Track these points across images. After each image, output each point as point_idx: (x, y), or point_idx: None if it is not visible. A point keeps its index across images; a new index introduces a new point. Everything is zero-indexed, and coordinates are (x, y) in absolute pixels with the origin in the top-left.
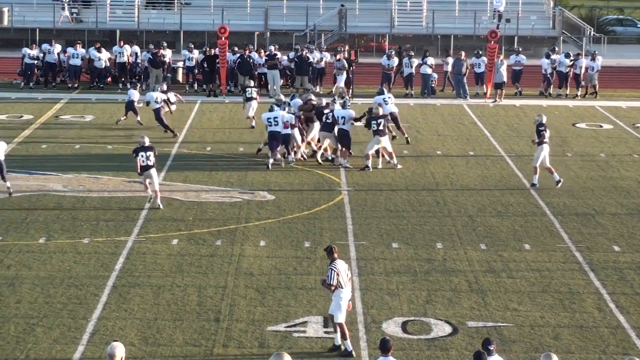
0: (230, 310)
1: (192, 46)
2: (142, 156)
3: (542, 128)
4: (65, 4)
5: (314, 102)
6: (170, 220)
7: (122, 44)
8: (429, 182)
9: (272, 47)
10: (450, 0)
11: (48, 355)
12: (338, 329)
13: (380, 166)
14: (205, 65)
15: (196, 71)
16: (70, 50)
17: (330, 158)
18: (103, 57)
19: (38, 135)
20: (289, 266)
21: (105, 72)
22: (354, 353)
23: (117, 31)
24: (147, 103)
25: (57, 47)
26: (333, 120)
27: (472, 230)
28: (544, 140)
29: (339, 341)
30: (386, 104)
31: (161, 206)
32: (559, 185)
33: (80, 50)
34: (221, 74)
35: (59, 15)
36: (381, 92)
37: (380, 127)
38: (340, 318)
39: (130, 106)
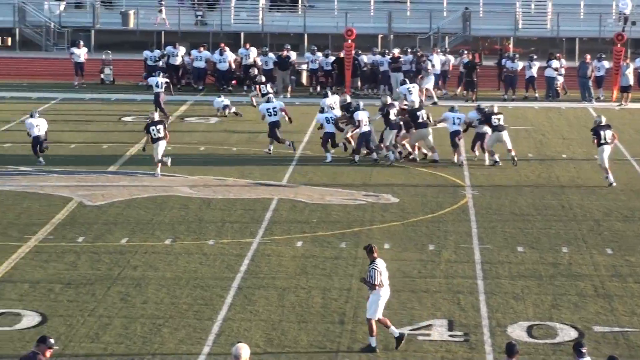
0: (354, 313)
1: (315, 49)
2: (153, 130)
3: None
4: (163, 7)
5: (405, 106)
6: (294, 223)
7: (247, 46)
8: (554, 186)
9: (395, 50)
10: (575, 3)
11: (174, 356)
12: (370, 326)
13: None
14: (334, 67)
15: (319, 73)
16: (194, 52)
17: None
18: (227, 60)
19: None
20: (413, 269)
21: (230, 75)
22: (377, 350)
23: (242, 34)
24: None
25: (181, 50)
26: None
27: (598, 235)
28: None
29: (374, 343)
30: (410, 94)
31: (160, 175)
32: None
33: (205, 53)
34: (346, 76)
35: (156, 17)
36: (404, 82)
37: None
38: (373, 315)
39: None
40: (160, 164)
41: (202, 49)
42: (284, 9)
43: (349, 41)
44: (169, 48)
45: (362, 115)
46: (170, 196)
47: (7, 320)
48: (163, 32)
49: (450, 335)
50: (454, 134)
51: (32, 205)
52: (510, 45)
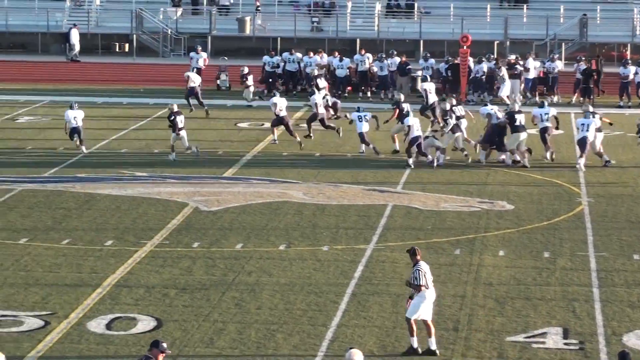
0: (469, 320)
1: (429, 55)
2: (178, 120)
3: None
4: (259, 13)
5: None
6: (409, 229)
7: (362, 52)
8: None
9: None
10: None
11: None
12: (428, 328)
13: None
14: (449, 74)
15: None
16: (305, 58)
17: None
18: (346, 66)
19: (278, 143)
20: (528, 276)
21: (346, 81)
22: (419, 350)
23: (357, 40)
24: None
25: (298, 56)
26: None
27: None
28: None
29: (434, 345)
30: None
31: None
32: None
33: (314, 58)
34: (462, 82)
35: (262, 24)
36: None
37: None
38: (412, 314)
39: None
40: (188, 150)
41: (312, 53)
42: (399, 16)
43: (464, 47)
44: (286, 54)
45: (412, 121)
46: (284, 202)
47: (123, 324)
48: (279, 39)
49: (565, 344)
50: (543, 130)
51: (148, 210)
52: (628, 52)
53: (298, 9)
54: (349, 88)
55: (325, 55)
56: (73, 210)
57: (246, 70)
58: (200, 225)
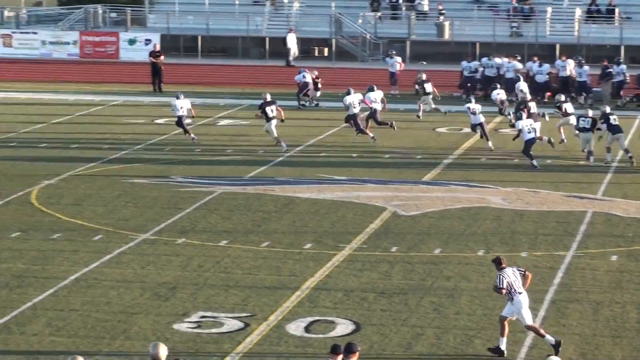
0: None
1: (621, 60)
2: (268, 110)
3: None
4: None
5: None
6: (609, 236)
7: (563, 58)
8: None
9: None
10: None
11: None
12: (533, 330)
13: None
14: None
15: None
16: (505, 63)
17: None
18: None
19: (477, 147)
20: None
21: (546, 86)
22: (561, 340)
23: (557, 45)
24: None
25: (496, 61)
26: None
27: None
28: None
29: (553, 340)
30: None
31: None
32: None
33: (513, 63)
34: None
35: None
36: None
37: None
38: (528, 320)
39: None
40: (276, 141)
41: (511, 59)
42: (600, 21)
43: None
44: (484, 59)
45: (524, 123)
46: (483, 207)
47: (322, 327)
48: (477, 44)
49: None
50: None
51: (347, 214)
52: None
53: (497, 14)
54: (548, 93)
55: (503, 59)
56: (272, 213)
57: (424, 76)
58: (399, 229)
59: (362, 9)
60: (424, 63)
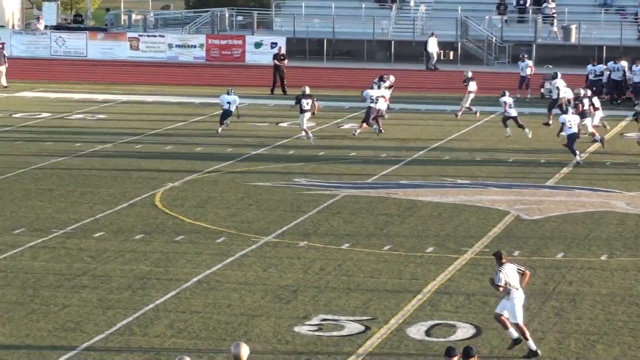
0: None
1: None
2: (304, 102)
3: None
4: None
5: None
6: None
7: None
8: None
9: None
10: None
11: None
12: (521, 331)
13: None
14: None
15: None
16: (634, 67)
17: None
18: None
19: (601, 151)
20: None
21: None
22: (539, 352)
23: None
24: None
25: (623, 64)
26: None
27: None
28: None
29: (515, 335)
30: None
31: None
32: None
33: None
34: None
35: (548, 32)
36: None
37: None
38: (519, 319)
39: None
40: (304, 132)
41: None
42: None
43: None
44: (611, 63)
45: (567, 118)
46: (607, 212)
47: (442, 331)
48: (604, 47)
49: None
50: None
51: (470, 218)
52: None
53: (624, 17)
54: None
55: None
56: (395, 216)
57: (469, 74)
58: (521, 233)
59: (489, 12)
60: (550, 67)
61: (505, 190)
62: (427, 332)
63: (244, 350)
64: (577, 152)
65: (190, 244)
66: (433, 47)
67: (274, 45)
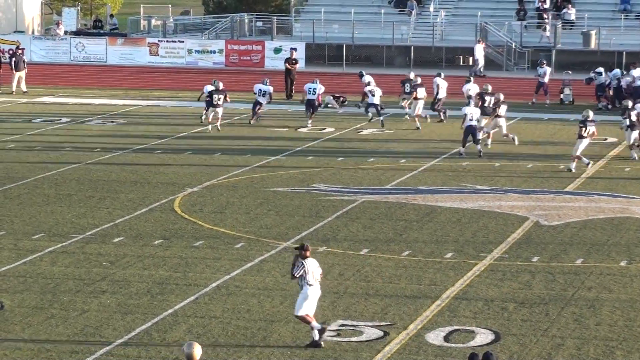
0: None
1: None
2: (215, 97)
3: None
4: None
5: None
6: None
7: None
8: None
9: None
10: None
11: None
12: (305, 320)
13: None
14: None
15: None
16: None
17: None
18: None
19: (622, 156)
20: None
21: None
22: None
23: None
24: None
25: (637, 71)
26: None
27: None
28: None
29: (317, 336)
30: None
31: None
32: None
33: None
34: None
35: (540, 36)
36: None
37: None
38: (301, 311)
39: None
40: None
41: None
42: None
43: None
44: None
45: (468, 110)
46: (626, 218)
47: (461, 337)
48: (624, 53)
49: None
50: None
51: (489, 223)
52: None
53: None
54: None
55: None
56: (414, 222)
57: (419, 80)
58: (540, 239)
59: (508, 18)
60: (569, 72)
61: (525, 196)
62: (446, 338)
63: (197, 350)
64: (464, 146)
65: (209, 249)
66: (480, 53)
67: (293, 51)
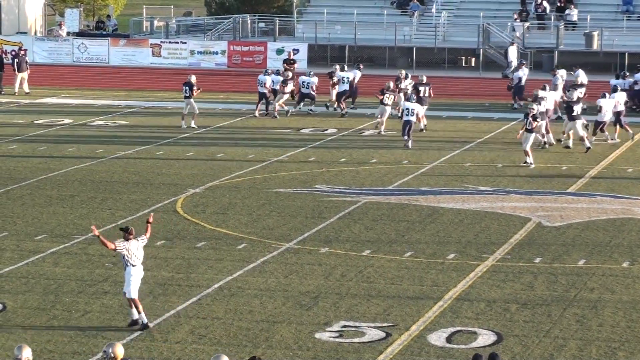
0: None
1: None
2: (185, 90)
3: None
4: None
5: None
6: None
7: None
8: None
9: None
10: None
11: None
12: (132, 304)
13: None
14: None
15: None
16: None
17: None
18: None
19: (627, 157)
20: None
21: None
22: (149, 324)
23: None
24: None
25: None
26: None
27: None
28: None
29: (135, 315)
30: None
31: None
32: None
33: None
34: None
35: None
36: None
37: None
38: (133, 294)
39: None
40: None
41: None
42: None
43: None
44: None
45: (407, 105)
46: (629, 219)
47: (463, 338)
48: (627, 54)
49: None
50: None
51: (491, 224)
52: None
53: None
54: None
55: None
56: (416, 223)
57: (392, 85)
58: (543, 240)
59: (510, 19)
60: (572, 73)
61: (527, 197)
62: (448, 339)
63: (119, 349)
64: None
65: (212, 250)
66: (513, 54)
67: (295, 51)
